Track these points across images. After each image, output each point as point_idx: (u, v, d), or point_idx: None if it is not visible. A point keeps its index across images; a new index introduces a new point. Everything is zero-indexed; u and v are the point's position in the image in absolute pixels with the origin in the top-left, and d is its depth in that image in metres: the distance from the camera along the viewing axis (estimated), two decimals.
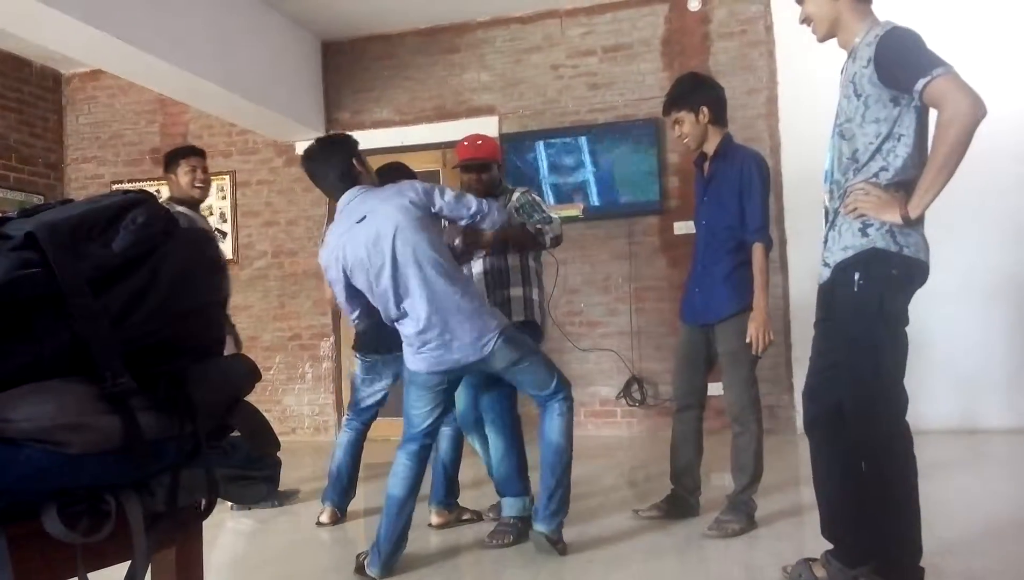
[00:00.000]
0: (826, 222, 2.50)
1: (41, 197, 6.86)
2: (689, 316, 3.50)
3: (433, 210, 3.04)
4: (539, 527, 3.13)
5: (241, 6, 5.80)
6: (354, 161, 3.14)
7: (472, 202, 3.09)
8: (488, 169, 3.68)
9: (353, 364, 4.04)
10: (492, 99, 6.50)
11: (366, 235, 2.97)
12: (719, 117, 3.41)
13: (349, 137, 3.28)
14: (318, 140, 3.27)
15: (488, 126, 6.42)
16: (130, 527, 1.03)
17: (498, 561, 3.17)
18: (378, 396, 3.95)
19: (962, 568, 2.73)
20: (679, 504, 3.54)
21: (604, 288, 6.22)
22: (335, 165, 3.12)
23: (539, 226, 3.56)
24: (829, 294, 2.48)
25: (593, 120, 6.27)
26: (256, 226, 6.97)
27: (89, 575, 1.03)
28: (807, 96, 5.59)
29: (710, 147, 3.41)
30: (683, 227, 5.98)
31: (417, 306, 2.98)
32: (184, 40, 5.13)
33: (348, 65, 6.77)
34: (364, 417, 3.97)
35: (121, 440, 1.00)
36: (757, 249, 3.27)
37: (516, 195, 3.69)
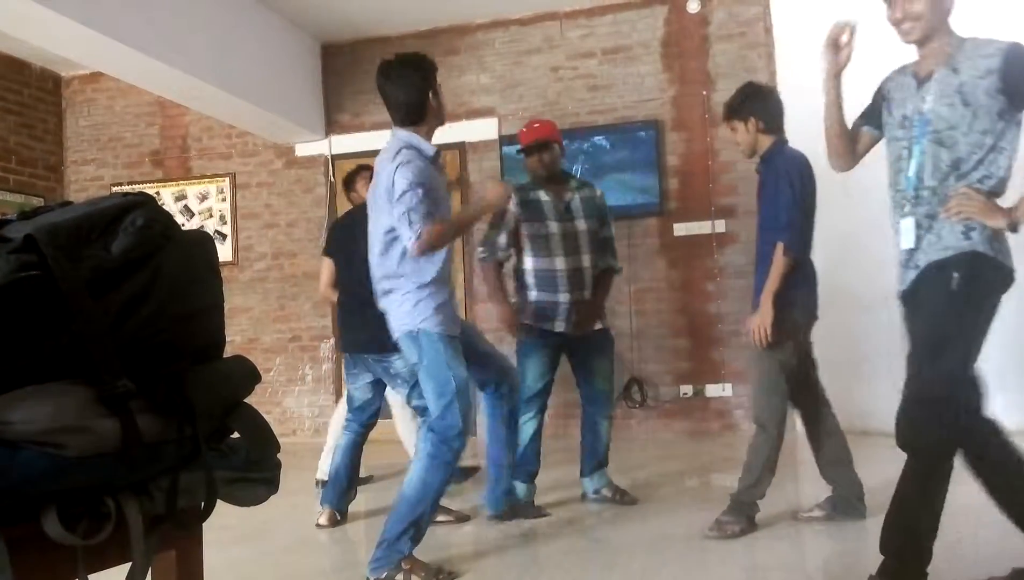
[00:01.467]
0: (917, 228, 2.49)
1: (41, 199, 6.87)
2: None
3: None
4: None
5: (240, 8, 5.80)
6: (431, 95, 2.99)
7: (403, 227, 2.93)
8: (548, 148, 3.83)
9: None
10: (492, 101, 6.50)
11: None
12: (769, 126, 3.48)
13: (431, 63, 3.04)
14: (398, 56, 3.05)
15: (488, 128, 6.43)
16: (129, 529, 1.03)
17: (497, 561, 3.17)
18: (367, 394, 3.92)
19: (963, 568, 2.73)
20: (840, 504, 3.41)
21: None
22: (409, 91, 2.97)
23: (618, 267, 4.05)
24: (910, 300, 2.49)
25: (593, 122, 6.27)
26: (256, 228, 6.98)
27: (89, 577, 1.03)
28: (807, 98, 5.58)
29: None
30: (683, 229, 5.99)
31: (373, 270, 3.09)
32: (183, 43, 5.14)
33: (348, 67, 6.77)
34: (360, 418, 3.95)
35: (120, 443, 1.00)
36: (778, 247, 3.28)
37: (599, 193, 4.02)
